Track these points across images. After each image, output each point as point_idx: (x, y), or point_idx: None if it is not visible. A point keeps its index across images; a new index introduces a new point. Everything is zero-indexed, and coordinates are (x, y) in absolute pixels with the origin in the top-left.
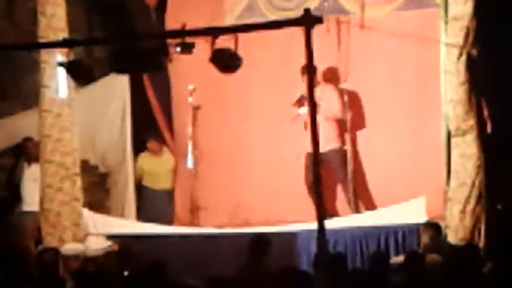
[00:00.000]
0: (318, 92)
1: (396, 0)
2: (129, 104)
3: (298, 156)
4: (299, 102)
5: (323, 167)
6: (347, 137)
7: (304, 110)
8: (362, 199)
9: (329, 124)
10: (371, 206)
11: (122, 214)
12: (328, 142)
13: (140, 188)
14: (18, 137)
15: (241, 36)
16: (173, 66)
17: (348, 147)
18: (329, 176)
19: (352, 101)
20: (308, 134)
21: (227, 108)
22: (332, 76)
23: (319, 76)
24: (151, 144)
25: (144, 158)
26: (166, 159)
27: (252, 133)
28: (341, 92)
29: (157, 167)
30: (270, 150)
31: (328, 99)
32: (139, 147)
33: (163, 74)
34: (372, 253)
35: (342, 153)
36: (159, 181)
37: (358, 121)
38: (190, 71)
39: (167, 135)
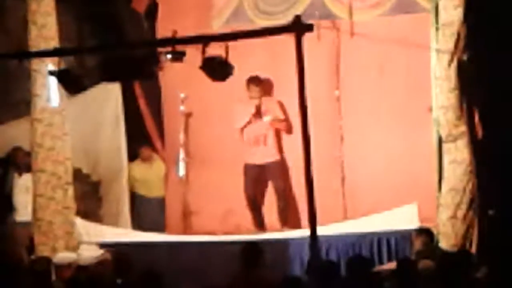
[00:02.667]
0: (264, 104)
1: (384, 5)
2: (122, 112)
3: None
4: (258, 114)
5: (261, 179)
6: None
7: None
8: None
9: (271, 136)
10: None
11: (115, 223)
12: (271, 154)
13: (132, 196)
14: (9, 147)
15: (231, 43)
16: (164, 74)
17: (341, 155)
18: (265, 187)
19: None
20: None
21: (218, 115)
22: (269, 88)
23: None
24: (144, 150)
25: (136, 166)
26: (157, 166)
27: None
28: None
29: (149, 175)
30: None
31: (274, 111)
32: (131, 155)
33: (154, 82)
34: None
35: (281, 164)
36: (151, 189)
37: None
38: (181, 79)
39: (157, 143)
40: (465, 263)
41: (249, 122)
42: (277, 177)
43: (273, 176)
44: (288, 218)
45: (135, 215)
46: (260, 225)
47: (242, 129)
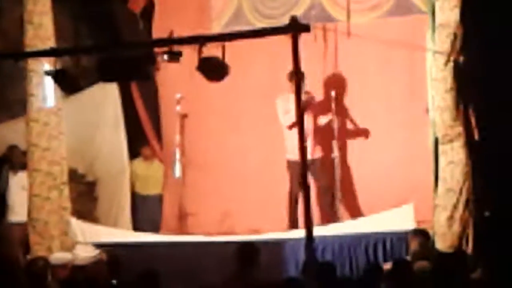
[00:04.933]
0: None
1: (381, 7)
2: (121, 112)
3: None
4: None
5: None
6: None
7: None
8: (349, 208)
9: (319, 132)
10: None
11: (114, 222)
12: (318, 150)
13: (131, 195)
14: (4, 147)
15: (229, 44)
16: (160, 74)
17: (335, 155)
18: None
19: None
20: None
21: (214, 117)
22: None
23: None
24: (145, 150)
25: (137, 164)
26: (157, 165)
27: (239, 141)
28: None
29: (148, 173)
30: (256, 158)
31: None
32: (131, 154)
33: (150, 82)
34: (367, 265)
35: (327, 161)
36: (148, 187)
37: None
38: (177, 80)
39: (155, 144)
40: (461, 264)
41: (293, 125)
42: (322, 173)
43: (318, 172)
44: (335, 213)
45: (133, 213)
46: (294, 223)
47: (290, 127)
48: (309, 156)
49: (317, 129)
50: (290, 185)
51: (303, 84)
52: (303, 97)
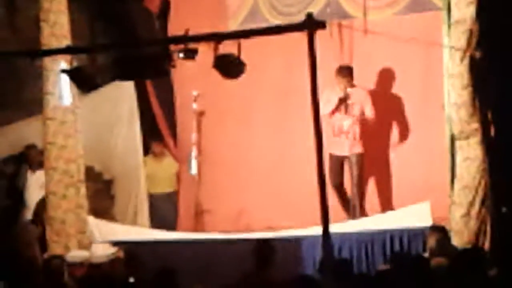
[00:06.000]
0: (354, 94)
1: (398, 4)
2: (137, 110)
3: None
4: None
5: (341, 169)
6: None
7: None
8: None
9: (355, 129)
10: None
11: (131, 220)
12: (351, 147)
13: None
14: (21, 145)
15: (245, 42)
16: (177, 72)
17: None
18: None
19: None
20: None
21: (230, 114)
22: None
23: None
24: (155, 146)
25: (147, 161)
26: (167, 163)
27: (255, 138)
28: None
29: (157, 171)
30: (273, 155)
31: (361, 104)
32: (144, 151)
33: (166, 80)
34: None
35: (361, 158)
36: (160, 185)
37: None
38: (193, 77)
39: (169, 141)
40: (478, 261)
41: (333, 112)
42: (355, 169)
43: (351, 168)
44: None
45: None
46: (348, 209)
47: (329, 116)
48: (345, 151)
49: (358, 125)
50: (328, 174)
51: (350, 79)
52: (343, 92)
